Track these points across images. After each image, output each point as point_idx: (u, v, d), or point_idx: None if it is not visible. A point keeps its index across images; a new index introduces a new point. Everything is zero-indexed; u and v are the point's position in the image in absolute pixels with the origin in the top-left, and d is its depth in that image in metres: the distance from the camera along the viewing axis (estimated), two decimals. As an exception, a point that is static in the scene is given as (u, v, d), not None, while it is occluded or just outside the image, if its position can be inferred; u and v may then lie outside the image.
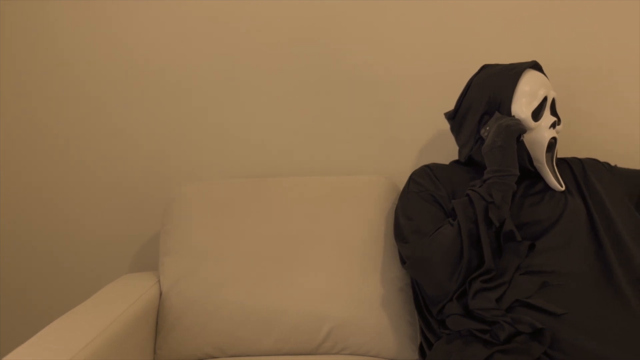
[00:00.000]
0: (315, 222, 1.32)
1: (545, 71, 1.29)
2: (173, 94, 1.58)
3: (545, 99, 1.21)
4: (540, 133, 1.19)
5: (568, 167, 1.29)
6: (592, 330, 0.94)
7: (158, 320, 1.27)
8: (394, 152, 1.57)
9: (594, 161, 1.33)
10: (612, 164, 1.35)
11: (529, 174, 1.23)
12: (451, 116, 1.33)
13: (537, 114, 1.19)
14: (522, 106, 1.19)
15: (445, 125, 1.41)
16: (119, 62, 1.58)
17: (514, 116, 1.20)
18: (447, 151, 1.50)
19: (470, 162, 1.30)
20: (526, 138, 1.20)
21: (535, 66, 1.26)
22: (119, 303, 1.13)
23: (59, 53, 1.59)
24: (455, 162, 1.36)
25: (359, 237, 1.30)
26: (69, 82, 1.59)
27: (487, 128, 1.21)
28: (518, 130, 1.14)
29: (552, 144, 1.21)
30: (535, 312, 0.97)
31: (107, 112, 1.59)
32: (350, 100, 1.56)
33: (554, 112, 1.24)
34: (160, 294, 1.29)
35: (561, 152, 1.45)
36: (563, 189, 1.20)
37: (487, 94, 1.23)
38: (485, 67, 1.31)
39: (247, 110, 1.57)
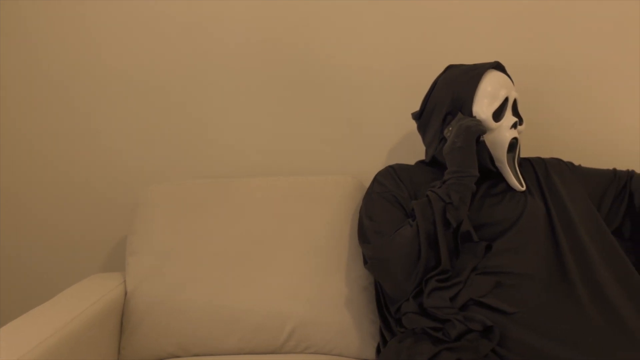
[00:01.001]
0: (280, 222, 1.33)
1: (513, 70, 1.29)
2: (143, 95, 1.58)
3: (506, 99, 1.21)
4: (502, 133, 1.20)
5: (531, 167, 1.30)
6: (542, 329, 0.95)
7: (123, 320, 1.28)
8: (364, 152, 1.58)
9: (557, 161, 1.34)
10: (577, 163, 1.36)
11: (491, 174, 1.24)
12: (417, 116, 1.34)
13: (498, 115, 1.20)
14: (483, 107, 1.20)
15: (415, 126, 1.43)
16: (89, 63, 1.58)
17: (475, 117, 1.21)
18: (417, 151, 1.51)
19: (434, 162, 1.31)
20: (487, 138, 1.20)
21: (498, 67, 1.27)
22: (79, 302, 1.14)
23: (29, 53, 1.59)
24: (420, 162, 1.37)
25: (324, 237, 1.31)
26: (39, 83, 1.60)
27: (450, 128, 1.22)
28: (478, 131, 1.15)
29: (514, 144, 1.21)
30: (488, 311, 0.99)
31: (78, 113, 1.60)
32: (322, 101, 1.57)
33: (515, 112, 1.25)
34: (125, 294, 1.29)
35: (529, 151, 1.46)
36: (523, 189, 1.21)
37: (450, 94, 1.24)
38: (450, 68, 1.32)
39: (218, 111, 1.58)
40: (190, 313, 1.24)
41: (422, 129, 1.34)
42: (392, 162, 1.48)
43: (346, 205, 1.36)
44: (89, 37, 1.58)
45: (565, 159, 1.39)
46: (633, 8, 1.50)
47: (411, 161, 1.43)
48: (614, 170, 1.34)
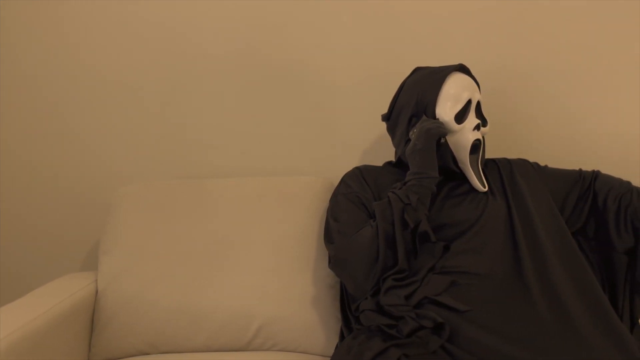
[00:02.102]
0: (249, 222, 1.35)
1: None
2: (122, 97, 1.61)
3: (469, 101, 1.23)
4: (464, 135, 1.21)
5: (496, 167, 1.32)
6: (494, 328, 0.96)
7: (94, 318, 1.30)
8: (339, 153, 1.61)
9: (523, 161, 1.36)
10: (544, 164, 1.38)
11: (455, 175, 1.25)
12: (386, 118, 1.36)
13: (461, 117, 1.22)
14: (446, 109, 1.22)
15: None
16: (68, 63, 1.61)
17: (438, 119, 1.23)
18: (390, 153, 1.53)
19: (401, 164, 1.33)
20: (450, 140, 1.22)
21: (462, 69, 1.28)
22: (46, 300, 1.16)
23: (7, 52, 1.61)
24: (387, 163, 1.39)
25: (292, 237, 1.34)
26: (17, 83, 1.62)
27: (414, 130, 1.24)
28: (438, 133, 1.17)
29: (477, 145, 1.23)
30: (441, 309, 1.00)
31: (57, 113, 1.63)
32: (297, 102, 1.60)
33: (479, 114, 1.27)
34: (97, 293, 1.32)
35: (498, 152, 1.48)
36: (486, 190, 1.23)
37: (415, 96, 1.26)
38: (416, 70, 1.34)
39: (195, 112, 1.61)
40: (159, 311, 1.27)
41: (391, 130, 1.36)
42: (366, 164, 1.51)
43: (315, 205, 1.38)
44: (70, 38, 1.60)
45: (534, 159, 1.41)
46: (600, 12, 1.52)
47: (383, 163, 1.45)
48: (580, 170, 1.35)
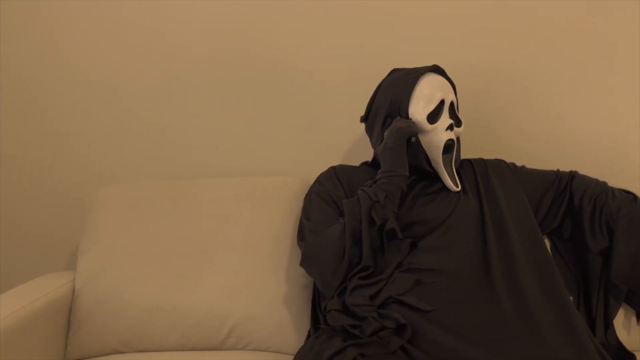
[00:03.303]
0: (225, 222, 1.37)
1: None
2: (103, 97, 1.63)
3: (442, 102, 1.23)
4: (437, 135, 1.22)
5: (471, 167, 1.32)
6: (457, 329, 0.96)
7: (70, 317, 1.31)
8: (320, 154, 1.61)
9: (499, 162, 1.36)
10: (524, 164, 1.38)
11: (429, 174, 1.26)
12: (364, 119, 1.37)
13: (433, 117, 1.22)
14: (418, 109, 1.22)
15: (369, 128, 1.45)
16: (50, 63, 1.63)
17: (411, 119, 1.23)
18: (371, 153, 1.54)
19: (377, 163, 1.33)
20: (423, 140, 1.23)
21: (437, 70, 1.29)
22: (20, 300, 1.17)
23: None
24: (364, 163, 1.40)
25: (267, 236, 1.35)
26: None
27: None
28: (408, 132, 1.18)
29: (450, 145, 1.23)
30: (405, 309, 1.01)
31: (38, 114, 1.65)
32: (277, 104, 1.61)
33: (453, 115, 1.27)
34: (74, 291, 1.33)
35: (478, 152, 1.48)
36: (458, 189, 1.23)
37: (389, 97, 1.27)
38: (393, 71, 1.35)
39: (176, 113, 1.62)
40: (134, 310, 1.28)
41: (369, 131, 1.36)
42: (347, 164, 1.52)
43: (291, 205, 1.39)
44: (54, 39, 1.62)
45: (514, 159, 1.41)
46: (580, 14, 1.52)
47: (365, 164, 1.46)
48: (557, 171, 1.36)
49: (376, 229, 1.10)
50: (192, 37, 1.60)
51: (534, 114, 1.56)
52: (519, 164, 1.38)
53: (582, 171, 1.36)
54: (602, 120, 1.55)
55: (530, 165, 1.39)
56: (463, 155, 1.42)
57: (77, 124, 1.65)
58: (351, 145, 1.61)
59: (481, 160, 1.36)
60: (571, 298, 1.28)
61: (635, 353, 1.20)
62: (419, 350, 0.94)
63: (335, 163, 1.60)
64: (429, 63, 1.38)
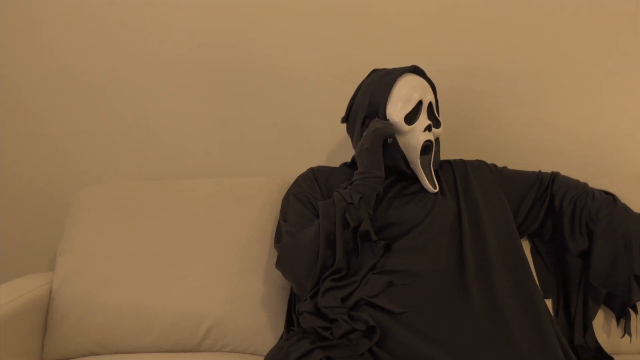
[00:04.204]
0: (204, 223, 1.36)
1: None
2: (83, 98, 1.63)
3: (420, 102, 1.22)
4: (415, 136, 1.21)
5: (450, 168, 1.32)
6: (427, 332, 0.96)
7: (47, 318, 1.31)
8: (303, 155, 1.61)
9: (479, 162, 1.35)
10: (511, 164, 1.37)
11: (407, 175, 1.25)
12: (344, 120, 1.36)
13: (411, 118, 1.21)
14: (396, 110, 1.21)
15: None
16: (30, 64, 1.63)
17: (388, 120, 1.23)
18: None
19: (355, 164, 1.33)
20: (401, 141, 1.22)
21: (416, 70, 1.28)
22: (-6, 301, 1.17)
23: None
24: (344, 164, 1.39)
25: (245, 238, 1.34)
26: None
27: None
28: (384, 133, 1.17)
29: (428, 146, 1.22)
30: (377, 311, 1.00)
31: (22, 114, 1.64)
32: (259, 105, 1.60)
33: (431, 115, 1.26)
34: (51, 292, 1.33)
35: (462, 152, 1.47)
36: (436, 190, 1.22)
37: (368, 98, 1.26)
38: (373, 72, 1.34)
39: (157, 114, 1.62)
40: (110, 311, 1.27)
41: (350, 131, 1.36)
42: (330, 165, 1.51)
43: (270, 206, 1.38)
44: (36, 39, 1.62)
45: (500, 159, 1.40)
46: (567, 14, 1.51)
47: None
48: (539, 172, 1.35)
49: (350, 231, 1.09)
50: (175, 37, 1.59)
51: (520, 114, 1.56)
52: (504, 164, 1.38)
53: (567, 171, 1.36)
54: (588, 121, 1.55)
55: (515, 165, 1.38)
56: (449, 155, 1.41)
57: (60, 124, 1.65)
58: (334, 146, 1.61)
59: (461, 161, 1.35)
60: (550, 300, 1.28)
61: (614, 356, 1.19)
62: (387, 353, 0.93)
63: (318, 164, 1.60)
64: (413, 63, 1.37)
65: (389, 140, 1.21)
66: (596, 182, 1.36)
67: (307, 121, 1.60)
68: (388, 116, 1.22)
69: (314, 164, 1.57)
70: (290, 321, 1.21)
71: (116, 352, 1.27)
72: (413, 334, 0.95)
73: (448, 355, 0.91)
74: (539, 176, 1.33)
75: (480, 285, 1.05)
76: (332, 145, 1.61)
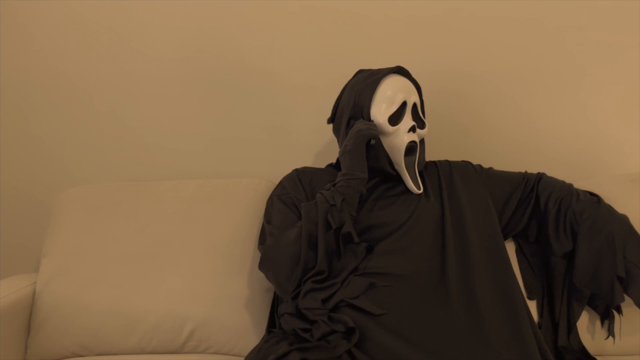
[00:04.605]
0: (187, 224, 1.36)
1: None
2: (65, 99, 1.62)
3: (404, 103, 1.22)
4: (399, 137, 1.20)
5: (436, 169, 1.31)
6: (406, 333, 0.95)
7: (31, 319, 1.30)
8: (290, 156, 1.61)
9: (465, 163, 1.34)
10: (498, 165, 1.37)
11: (391, 177, 1.25)
12: (330, 121, 1.36)
13: (395, 119, 1.21)
14: (380, 110, 1.21)
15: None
16: (11, 64, 1.62)
17: (372, 121, 1.22)
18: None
19: (340, 165, 1.32)
20: (385, 142, 1.21)
21: (400, 71, 1.27)
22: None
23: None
24: (329, 165, 1.39)
25: (229, 239, 1.34)
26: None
27: None
28: (367, 135, 1.16)
29: (412, 147, 1.22)
30: (357, 313, 0.99)
31: (5, 116, 1.63)
32: (245, 106, 1.60)
33: (416, 116, 1.25)
34: (34, 294, 1.32)
35: (452, 153, 1.47)
36: (420, 191, 1.22)
37: (353, 98, 1.25)
38: (358, 72, 1.34)
39: (141, 115, 1.61)
40: (93, 313, 1.27)
41: (336, 132, 1.35)
42: (319, 166, 1.51)
43: (255, 207, 1.37)
44: (16, 40, 1.61)
45: (487, 160, 1.40)
46: (550, 14, 1.51)
47: (334, 165, 1.45)
48: (525, 173, 1.34)
49: (332, 233, 1.08)
50: (160, 39, 1.59)
51: (506, 115, 1.56)
52: (491, 165, 1.37)
53: (554, 172, 1.36)
54: (574, 122, 1.55)
55: (502, 166, 1.38)
56: (435, 156, 1.41)
57: (44, 126, 1.64)
58: (321, 146, 1.61)
59: (446, 162, 1.34)
60: (535, 301, 1.28)
61: (598, 357, 1.19)
62: (365, 355, 0.93)
63: (305, 164, 1.60)
64: (399, 64, 1.37)
65: (372, 142, 1.20)
66: (583, 183, 1.36)
67: (294, 122, 1.60)
68: (372, 117, 1.22)
69: (301, 165, 1.58)
70: (273, 323, 1.20)
71: (99, 354, 1.27)
72: (392, 336, 0.94)
73: (425, 356, 0.91)
74: (524, 177, 1.33)
75: (461, 286, 1.05)
76: (318, 146, 1.60)
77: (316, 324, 0.99)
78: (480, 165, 1.36)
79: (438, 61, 1.53)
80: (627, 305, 1.20)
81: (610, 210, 1.22)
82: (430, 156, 1.39)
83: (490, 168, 1.36)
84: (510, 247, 1.33)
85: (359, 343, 0.95)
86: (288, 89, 1.59)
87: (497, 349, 0.93)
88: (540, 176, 1.32)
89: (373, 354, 0.93)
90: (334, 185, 1.15)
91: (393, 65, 1.35)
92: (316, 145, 1.60)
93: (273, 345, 0.94)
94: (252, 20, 1.57)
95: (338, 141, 1.35)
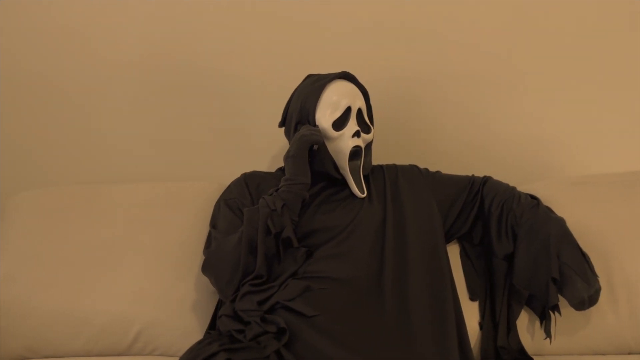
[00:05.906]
0: (137, 227, 1.37)
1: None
2: (19, 100, 1.63)
3: (349, 108, 1.24)
4: (343, 142, 1.22)
5: (382, 173, 1.33)
6: (337, 335, 0.98)
7: (-21, 324, 1.31)
8: (241, 159, 1.62)
9: (411, 167, 1.37)
10: (449, 168, 1.39)
11: (337, 181, 1.27)
12: (281, 125, 1.38)
13: (340, 124, 1.23)
14: (325, 116, 1.23)
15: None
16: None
17: (317, 126, 1.24)
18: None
19: None
20: (330, 147, 1.23)
21: (346, 76, 1.29)
22: None
23: None
24: (279, 169, 1.40)
25: (178, 242, 1.35)
26: None
27: None
28: (310, 140, 1.19)
29: (356, 152, 1.24)
30: (291, 314, 1.02)
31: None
32: (198, 109, 1.62)
33: (361, 121, 1.27)
34: (-17, 298, 1.33)
35: (400, 158, 1.48)
36: (363, 195, 1.24)
37: (299, 103, 1.28)
38: (308, 77, 1.36)
39: (95, 116, 1.63)
40: (41, 316, 1.28)
41: (287, 136, 1.37)
42: (271, 170, 1.52)
43: (206, 211, 1.37)
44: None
45: (438, 163, 1.41)
46: (505, 16, 1.53)
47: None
48: (471, 176, 1.37)
49: (272, 238, 1.10)
50: (111, 40, 1.59)
51: (455, 119, 1.58)
52: (441, 168, 1.39)
53: (503, 175, 1.38)
54: (522, 125, 1.58)
55: (452, 168, 1.40)
56: (384, 160, 1.43)
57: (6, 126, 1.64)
58: (275, 150, 1.62)
59: (393, 166, 1.37)
60: (477, 302, 1.30)
61: (537, 357, 1.22)
62: (293, 355, 0.95)
63: (259, 168, 1.61)
64: (351, 70, 1.39)
65: (315, 147, 1.22)
66: (528, 187, 1.39)
67: (247, 125, 1.61)
68: (317, 122, 1.24)
69: (254, 169, 1.59)
70: (214, 325, 1.21)
71: (46, 357, 1.27)
72: (322, 337, 0.97)
73: (349, 355, 0.93)
74: (470, 180, 1.35)
75: (395, 289, 1.08)
76: (273, 150, 1.62)
77: (249, 325, 1.01)
78: (427, 169, 1.38)
79: (387, 66, 1.55)
80: (567, 305, 1.22)
81: (547, 212, 1.25)
82: (379, 160, 1.41)
83: (437, 172, 1.38)
84: (455, 249, 1.35)
85: (289, 343, 0.97)
86: (241, 92, 1.60)
87: (419, 349, 0.96)
88: (486, 179, 1.35)
89: (301, 353, 0.95)
90: (277, 190, 1.17)
91: (345, 69, 1.37)
92: (269, 149, 1.62)
93: (204, 347, 0.96)
94: (204, 22, 1.58)
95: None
